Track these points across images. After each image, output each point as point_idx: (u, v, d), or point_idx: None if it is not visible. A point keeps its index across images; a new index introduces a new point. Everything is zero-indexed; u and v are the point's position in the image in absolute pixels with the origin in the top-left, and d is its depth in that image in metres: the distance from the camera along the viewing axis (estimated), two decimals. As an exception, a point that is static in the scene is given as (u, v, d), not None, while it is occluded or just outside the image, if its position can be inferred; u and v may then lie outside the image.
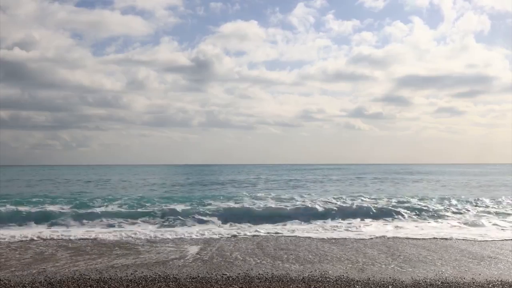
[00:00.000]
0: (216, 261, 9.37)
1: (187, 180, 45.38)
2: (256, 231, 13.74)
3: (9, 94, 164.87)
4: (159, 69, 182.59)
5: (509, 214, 17.53)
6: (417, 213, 17.62)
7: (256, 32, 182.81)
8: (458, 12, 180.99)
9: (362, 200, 20.20)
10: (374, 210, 17.77)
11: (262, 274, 8.17)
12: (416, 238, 12.40)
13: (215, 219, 16.25)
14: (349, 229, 14.45)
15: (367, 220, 16.26)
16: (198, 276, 8.01)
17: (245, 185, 36.48)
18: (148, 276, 7.99)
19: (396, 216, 17.05)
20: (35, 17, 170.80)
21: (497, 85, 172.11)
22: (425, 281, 7.67)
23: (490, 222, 15.81)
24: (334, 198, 20.91)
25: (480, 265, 8.99)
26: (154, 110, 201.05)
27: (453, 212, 17.81)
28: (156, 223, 15.56)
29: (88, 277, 7.90)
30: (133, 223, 15.49)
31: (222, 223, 15.75)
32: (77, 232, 13.57)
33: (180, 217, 16.35)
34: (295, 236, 12.92)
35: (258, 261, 9.38)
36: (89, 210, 16.87)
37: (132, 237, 12.47)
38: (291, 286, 7.44)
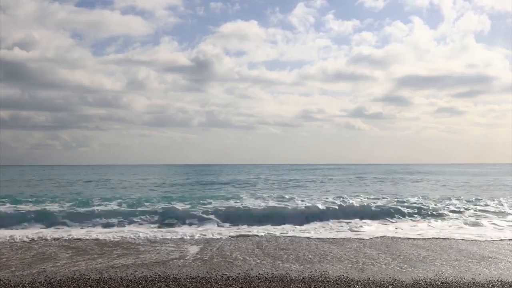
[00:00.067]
0: (216, 261, 9.37)
1: (187, 180, 45.38)
2: (256, 231, 13.74)
3: (9, 94, 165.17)
4: (159, 69, 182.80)
5: (508, 214, 17.54)
6: (417, 213, 17.63)
7: (256, 32, 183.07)
8: (458, 12, 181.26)
9: (362, 200, 20.21)
10: (374, 210, 17.77)
11: (262, 274, 8.18)
12: (415, 238, 12.41)
13: (215, 219, 16.24)
14: (349, 229, 14.46)
15: (367, 220, 16.26)
16: (198, 276, 8.02)
17: (245, 185, 36.47)
18: (148, 276, 7.99)
19: (396, 216, 17.06)
20: (35, 17, 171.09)
21: (497, 85, 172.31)
22: (425, 281, 7.68)
23: (489, 222, 15.82)
24: (334, 198, 20.91)
25: (480, 265, 8.99)
26: (154, 110, 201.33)
27: (453, 212, 17.81)
28: (156, 223, 15.56)
29: (88, 277, 7.91)
30: (133, 223, 15.50)
31: (222, 223, 15.75)
32: (77, 232, 13.58)
33: (180, 217, 16.35)
34: (295, 236, 12.92)
35: (258, 261, 9.39)
36: (90, 210, 16.85)
37: (132, 237, 12.47)
38: (291, 286, 7.44)
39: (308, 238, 12.52)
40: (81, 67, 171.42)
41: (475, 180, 43.65)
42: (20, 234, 12.80)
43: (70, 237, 12.48)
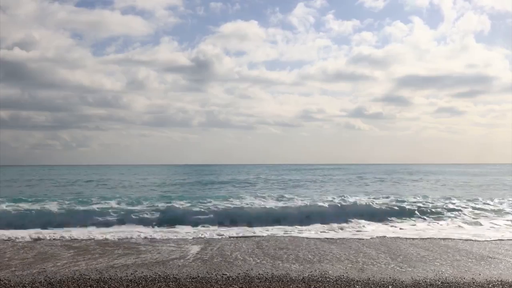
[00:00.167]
0: (216, 261, 9.38)
1: (187, 180, 45.39)
2: (256, 231, 13.75)
3: (9, 94, 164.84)
4: (159, 69, 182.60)
5: (508, 214, 17.55)
6: (417, 213, 17.63)
7: (256, 32, 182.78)
8: (458, 12, 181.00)
9: (361, 200, 20.19)
10: (374, 210, 17.78)
11: (262, 274, 8.18)
12: (415, 238, 12.42)
13: (215, 219, 16.24)
14: (349, 229, 14.46)
15: (367, 220, 16.26)
16: (198, 276, 8.02)
17: (245, 185, 36.48)
18: (148, 276, 7.99)
19: (395, 216, 17.05)
20: (35, 17, 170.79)
21: (497, 85, 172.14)
22: (425, 281, 7.68)
23: (489, 222, 15.83)
24: (334, 198, 20.90)
25: (480, 265, 9.00)
26: (154, 110, 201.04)
27: (452, 212, 17.81)
28: (157, 223, 15.56)
29: (88, 277, 7.91)
30: (134, 223, 15.50)
31: (222, 223, 15.75)
32: (78, 231, 13.58)
33: (180, 216, 16.35)
34: (295, 236, 12.93)
35: (258, 261, 9.39)
36: (90, 210, 16.87)
37: (133, 237, 12.48)
38: (291, 286, 7.45)
39: (308, 238, 12.53)
40: (81, 67, 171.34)
41: (475, 180, 43.67)
42: (21, 234, 12.80)
43: (71, 237, 12.49)
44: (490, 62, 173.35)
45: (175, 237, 12.52)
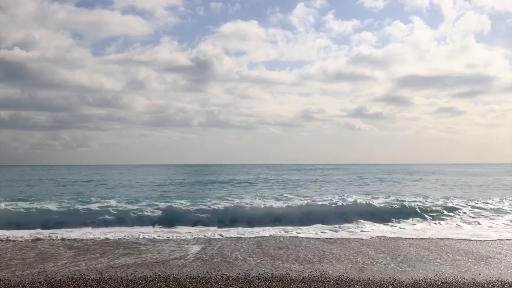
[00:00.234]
0: (216, 261, 9.38)
1: (187, 180, 45.39)
2: (257, 231, 13.75)
3: (9, 94, 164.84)
4: (159, 69, 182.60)
5: (508, 214, 17.55)
6: (416, 212, 17.63)
7: (256, 32, 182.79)
8: (458, 12, 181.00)
9: (361, 199, 20.19)
10: (374, 210, 17.77)
11: (262, 274, 8.18)
12: (415, 238, 12.42)
13: (215, 219, 16.25)
14: (349, 229, 14.46)
15: (367, 220, 16.26)
16: (198, 276, 8.03)
17: (245, 185, 36.49)
18: (148, 276, 8.00)
19: (395, 216, 17.04)
20: (35, 17, 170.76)
21: (497, 85, 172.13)
22: (425, 281, 7.68)
23: (489, 222, 15.84)
24: (334, 198, 20.89)
25: (480, 265, 9.00)
26: (154, 110, 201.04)
27: (452, 212, 17.81)
28: (157, 223, 15.56)
29: (88, 277, 7.92)
30: (134, 223, 15.50)
31: (222, 223, 15.76)
32: (78, 231, 13.58)
33: (180, 216, 16.35)
34: (295, 236, 12.93)
35: (258, 261, 9.40)
36: (91, 210, 16.87)
37: (133, 237, 12.47)
38: (291, 286, 7.45)
39: (308, 238, 12.53)
40: (81, 67, 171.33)
41: (475, 180, 43.68)
42: (21, 234, 12.81)
43: (71, 237, 12.49)
44: (490, 62, 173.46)
45: (175, 237, 12.52)
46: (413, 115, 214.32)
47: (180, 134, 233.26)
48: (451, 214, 17.58)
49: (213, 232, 13.58)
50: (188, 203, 18.83)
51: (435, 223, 16.02)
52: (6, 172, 72.58)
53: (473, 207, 18.88)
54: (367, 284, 7.53)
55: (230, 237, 12.60)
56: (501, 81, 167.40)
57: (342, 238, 12.43)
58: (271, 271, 8.42)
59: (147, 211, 17.00)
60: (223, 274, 8.22)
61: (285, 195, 24.09)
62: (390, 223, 15.83)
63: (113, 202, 19.31)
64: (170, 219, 16.09)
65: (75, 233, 13.14)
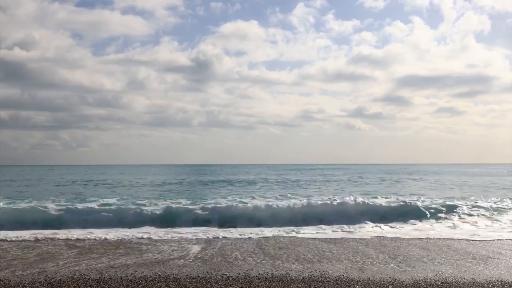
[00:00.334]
0: (216, 261, 9.38)
1: (187, 180, 45.39)
2: (257, 231, 13.76)
3: (9, 94, 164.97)
4: (159, 69, 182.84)
5: (507, 214, 17.55)
6: (416, 212, 17.62)
7: (256, 32, 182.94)
8: (458, 12, 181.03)
9: (361, 199, 20.19)
10: (374, 210, 17.78)
11: (262, 274, 8.18)
12: (415, 238, 12.42)
13: (215, 218, 16.27)
14: (349, 229, 14.46)
15: (367, 220, 16.27)
16: (198, 276, 8.03)
17: (245, 185, 36.50)
18: (148, 276, 8.00)
19: (395, 216, 17.04)
20: (35, 17, 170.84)
21: (497, 85, 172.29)
22: (425, 281, 7.68)
23: (489, 222, 15.84)
24: (333, 198, 20.89)
25: (480, 265, 9.00)
26: (154, 110, 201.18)
27: (452, 212, 17.81)
28: (157, 223, 15.58)
29: (88, 277, 7.92)
30: (135, 223, 15.50)
31: (222, 223, 15.76)
32: (78, 231, 13.58)
33: (181, 216, 16.37)
34: (295, 236, 12.94)
35: (258, 260, 9.40)
36: (91, 210, 16.88)
37: (133, 236, 12.48)
38: (291, 286, 7.45)
39: (308, 238, 12.53)
40: (81, 67, 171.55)
41: (475, 180, 43.68)
42: (21, 234, 12.80)
43: (72, 236, 12.49)
44: (490, 62, 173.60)
45: (175, 237, 12.52)
46: (413, 115, 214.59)
47: (180, 134, 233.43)
48: (451, 214, 17.58)
49: (213, 232, 13.58)
50: (188, 203, 18.84)
51: (435, 223, 16.02)
52: (6, 172, 72.57)
53: (473, 207, 18.88)
54: (367, 284, 7.54)
55: (230, 237, 12.60)
56: (501, 81, 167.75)
57: (342, 238, 12.43)
58: (271, 271, 8.42)
59: (147, 211, 17.00)
60: (223, 274, 8.23)
61: (285, 195, 24.09)
62: (390, 223, 15.82)
63: (113, 202, 19.32)
64: (170, 219, 16.10)
65: (75, 233, 13.14)
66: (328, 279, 7.83)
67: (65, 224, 15.15)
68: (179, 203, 19.02)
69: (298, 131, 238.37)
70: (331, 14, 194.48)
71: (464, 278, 7.91)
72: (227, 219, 16.23)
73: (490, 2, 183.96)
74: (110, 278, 7.85)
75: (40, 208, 17.04)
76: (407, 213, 17.56)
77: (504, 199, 21.75)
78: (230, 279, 7.87)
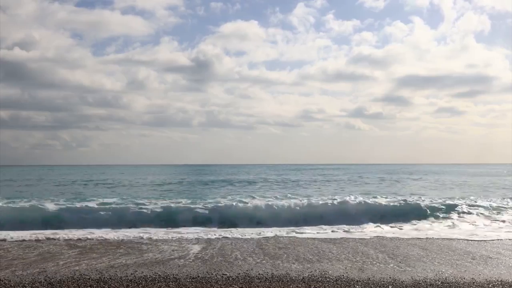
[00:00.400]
0: (216, 260, 9.39)
1: (186, 180, 45.40)
2: (256, 230, 13.76)
3: (9, 94, 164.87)
4: (159, 69, 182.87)
5: (507, 214, 17.55)
6: (416, 212, 17.63)
7: (256, 32, 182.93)
8: (458, 12, 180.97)
9: (361, 199, 20.19)
10: (373, 210, 17.79)
11: (262, 274, 8.19)
12: (414, 238, 12.42)
13: (215, 218, 16.28)
14: (348, 229, 14.46)
15: (367, 220, 16.28)
16: (198, 276, 8.03)
17: (245, 185, 36.51)
18: (148, 276, 8.00)
19: (395, 216, 17.05)
20: (35, 17, 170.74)
21: (497, 85, 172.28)
22: (425, 281, 7.69)
23: (488, 222, 15.85)
24: (333, 198, 20.89)
25: (480, 265, 9.01)
26: (154, 110, 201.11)
27: (452, 212, 17.82)
28: (158, 223, 15.58)
29: (88, 277, 7.92)
30: (135, 222, 15.50)
31: (222, 223, 15.78)
32: (78, 231, 13.58)
33: (181, 216, 16.37)
34: (295, 236, 12.94)
35: (258, 260, 9.40)
36: (91, 210, 16.88)
37: (133, 236, 12.48)
38: (291, 286, 7.45)
39: (308, 238, 12.54)
40: (81, 67, 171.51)
41: (474, 180, 43.69)
42: (21, 234, 12.79)
43: (72, 236, 12.48)
44: (490, 62, 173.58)
45: (175, 237, 12.52)
46: (413, 115, 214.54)
47: (180, 134, 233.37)
48: (451, 214, 17.59)
49: (213, 231, 13.59)
50: (188, 202, 18.84)
51: (435, 223, 16.03)
52: (6, 172, 72.57)
53: (472, 206, 18.89)
54: (367, 284, 7.54)
55: (230, 237, 12.60)
56: (501, 81, 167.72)
57: (342, 238, 12.43)
58: (271, 271, 8.42)
59: (147, 211, 16.99)
60: (223, 274, 8.23)
61: (285, 195, 24.08)
62: (390, 223, 15.82)
63: (113, 202, 19.31)
64: (170, 218, 16.11)
65: (75, 233, 13.14)
66: (328, 279, 7.83)
67: (65, 223, 15.15)
68: (179, 202, 19.02)
69: (298, 131, 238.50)
70: (331, 14, 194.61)
71: (464, 278, 7.91)
72: (227, 219, 16.24)
73: (490, 2, 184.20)
74: (110, 278, 7.85)
75: (40, 207, 17.04)
76: (407, 213, 17.57)
77: (504, 199, 21.75)
78: (230, 279, 7.87)
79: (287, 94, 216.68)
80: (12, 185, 38.13)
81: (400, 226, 15.15)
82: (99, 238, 12.26)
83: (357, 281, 7.72)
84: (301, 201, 19.56)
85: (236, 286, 7.45)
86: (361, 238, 12.36)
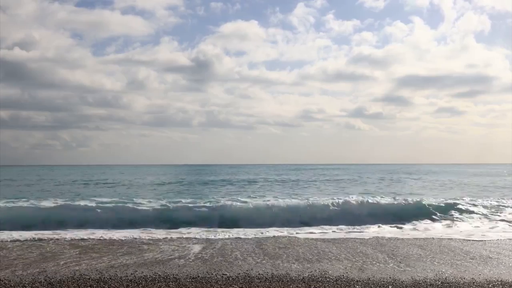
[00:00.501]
0: (216, 260, 9.39)
1: (187, 179, 45.40)
2: (257, 231, 13.76)
3: (9, 94, 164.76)
4: (159, 69, 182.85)
5: (506, 214, 17.54)
6: (416, 212, 17.62)
7: (256, 32, 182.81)
8: (458, 12, 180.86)
9: (360, 200, 20.20)
10: (373, 210, 17.79)
11: (262, 274, 8.19)
12: (414, 238, 12.42)
13: (215, 218, 16.26)
14: (348, 229, 14.47)
15: (367, 220, 16.27)
16: (198, 276, 8.03)
17: (245, 185, 36.51)
18: (148, 276, 8.00)
19: (394, 216, 17.04)
20: (35, 17, 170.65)
21: (497, 85, 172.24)
22: (425, 281, 7.69)
23: (488, 222, 15.84)
24: (333, 198, 20.89)
25: (480, 265, 9.01)
26: (154, 110, 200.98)
27: (451, 212, 17.82)
28: (158, 223, 15.58)
29: (88, 277, 7.92)
30: (135, 222, 15.50)
31: (222, 223, 15.76)
32: (78, 231, 13.58)
33: (181, 216, 16.37)
34: (295, 236, 12.94)
35: (258, 260, 9.40)
36: (91, 210, 16.88)
37: (133, 236, 12.47)
38: (291, 286, 7.46)
39: (308, 238, 12.54)
40: (81, 67, 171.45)
41: (475, 180, 43.69)
42: (22, 234, 12.80)
43: (72, 236, 12.48)
44: (490, 62, 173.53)
45: (176, 237, 12.53)
46: (413, 115, 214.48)
47: (180, 134, 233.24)
48: (451, 214, 17.59)
49: (213, 231, 13.58)
50: (189, 203, 18.84)
51: (435, 223, 16.03)
52: (6, 172, 72.58)
53: (472, 206, 18.88)
54: (367, 284, 7.54)
55: (231, 237, 12.60)
56: (501, 81, 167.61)
57: (342, 238, 12.43)
58: (271, 271, 8.42)
59: (147, 211, 17.00)
60: (223, 274, 8.23)
61: (285, 195, 24.09)
62: (390, 223, 15.82)
63: (113, 202, 19.31)
64: (170, 218, 16.11)
65: (76, 233, 13.15)
66: (328, 279, 7.84)
67: (65, 223, 15.13)
68: (179, 202, 19.02)
69: (298, 131, 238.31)
70: (331, 14, 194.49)
71: (464, 278, 7.92)
72: (227, 218, 16.23)
73: (490, 2, 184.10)
74: (110, 278, 7.85)
75: (40, 207, 17.05)
76: (407, 213, 17.56)
77: (504, 199, 21.74)
78: (230, 279, 7.87)
79: (287, 94, 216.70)
80: (12, 185, 38.13)
81: (400, 226, 15.15)
82: (99, 238, 12.26)
83: (357, 281, 7.72)
84: (301, 201, 19.57)
85: (236, 286, 7.45)
86: (361, 238, 12.36)
